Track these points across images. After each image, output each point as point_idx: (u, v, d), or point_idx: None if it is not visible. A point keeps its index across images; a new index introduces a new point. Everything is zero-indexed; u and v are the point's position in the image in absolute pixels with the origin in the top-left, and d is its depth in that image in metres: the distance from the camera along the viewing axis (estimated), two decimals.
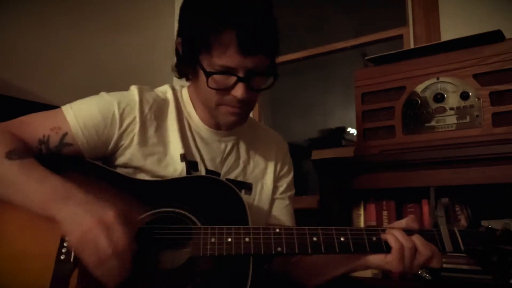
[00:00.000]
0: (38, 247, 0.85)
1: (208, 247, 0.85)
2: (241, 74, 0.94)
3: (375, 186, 1.48)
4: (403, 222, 0.94)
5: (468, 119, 1.37)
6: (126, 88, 1.06)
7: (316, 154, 1.85)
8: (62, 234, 0.84)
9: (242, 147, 1.13)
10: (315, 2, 2.66)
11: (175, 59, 1.08)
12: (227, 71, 0.94)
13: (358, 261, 0.93)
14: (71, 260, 0.83)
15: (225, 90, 0.96)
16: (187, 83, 1.13)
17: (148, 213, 0.90)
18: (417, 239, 0.88)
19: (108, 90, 1.05)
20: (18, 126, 0.94)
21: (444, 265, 1.32)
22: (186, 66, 1.03)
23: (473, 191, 1.38)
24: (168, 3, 2.60)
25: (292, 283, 1.08)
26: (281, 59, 1.07)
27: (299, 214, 1.21)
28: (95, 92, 1.03)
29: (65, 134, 0.94)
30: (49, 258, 0.83)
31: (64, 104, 1.00)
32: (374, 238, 0.89)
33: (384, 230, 0.90)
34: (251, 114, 1.17)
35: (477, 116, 1.36)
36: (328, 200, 1.55)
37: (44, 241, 0.85)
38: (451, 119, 1.40)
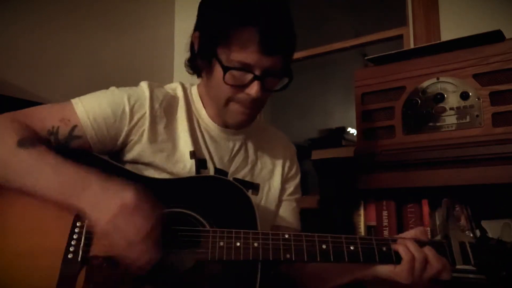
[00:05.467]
0: (46, 245, 0.84)
1: (217, 251, 0.83)
2: (257, 72, 0.93)
3: (375, 186, 1.48)
4: (412, 233, 0.92)
5: (468, 119, 1.37)
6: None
7: (316, 154, 1.85)
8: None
9: (250, 147, 1.12)
10: (315, 2, 2.66)
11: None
12: (244, 67, 0.93)
13: (366, 271, 0.91)
14: (79, 259, 0.82)
15: (240, 87, 0.96)
16: (196, 82, 1.11)
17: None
18: (429, 251, 0.85)
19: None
20: (27, 116, 0.92)
21: None
22: (202, 61, 1.01)
23: (473, 191, 1.38)
24: (168, 3, 2.60)
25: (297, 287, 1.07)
26: None
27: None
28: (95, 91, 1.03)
29: (74, 127, 0.94)
30: (56, 257, 0.82)
31: None
32: (384, 248, 0.87)
33: (394, 240, 0.88)
34: None
35: (477, 116, 1.36)
36: (328, 200, 1.55)
37: (52, 240, 0.84)
38: (451, 119, 1.40)
